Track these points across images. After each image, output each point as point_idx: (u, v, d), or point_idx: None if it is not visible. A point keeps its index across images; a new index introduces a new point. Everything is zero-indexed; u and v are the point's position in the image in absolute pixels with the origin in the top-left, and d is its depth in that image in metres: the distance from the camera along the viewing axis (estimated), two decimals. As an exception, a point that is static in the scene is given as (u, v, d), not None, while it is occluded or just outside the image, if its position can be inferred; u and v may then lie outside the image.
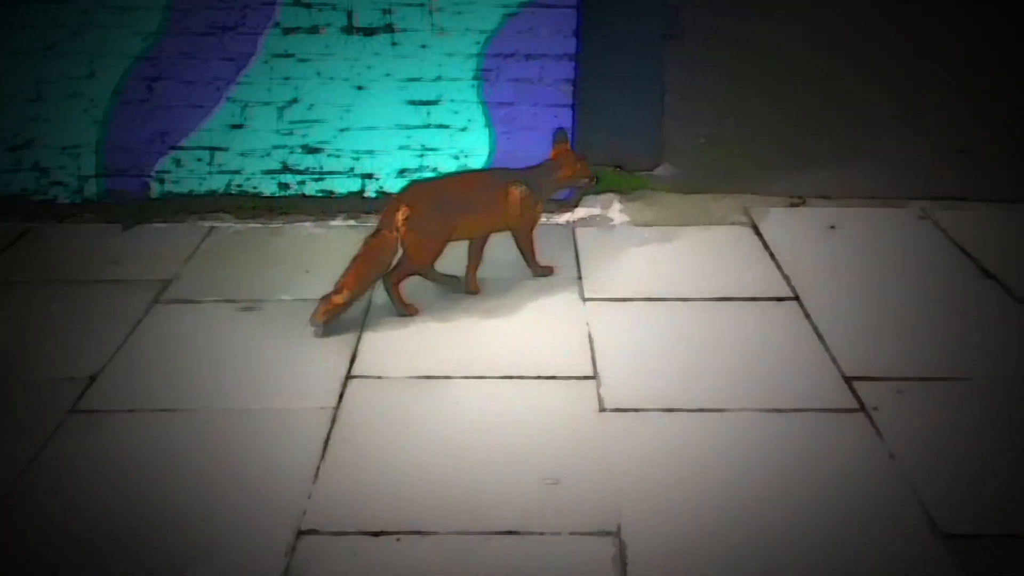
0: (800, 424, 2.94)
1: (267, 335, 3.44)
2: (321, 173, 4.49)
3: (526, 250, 3.82)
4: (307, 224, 4.41)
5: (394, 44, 4.31)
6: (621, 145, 4.69)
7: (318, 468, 2.74)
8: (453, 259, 3.68)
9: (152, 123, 4.38)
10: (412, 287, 3.62)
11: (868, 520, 2.54)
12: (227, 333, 3.47)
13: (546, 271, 3.88)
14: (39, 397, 3.09)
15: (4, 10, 4.21)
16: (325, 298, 3.44)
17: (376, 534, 2.50)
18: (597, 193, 4.60)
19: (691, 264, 4.00)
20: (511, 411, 3.01)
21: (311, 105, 4.39)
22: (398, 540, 2.48)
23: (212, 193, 4.48)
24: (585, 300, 3.70)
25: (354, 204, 4.49)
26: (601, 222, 4.43)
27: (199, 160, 4.45)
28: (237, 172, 4.47)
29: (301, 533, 2.50)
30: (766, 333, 3.45)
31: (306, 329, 3.44)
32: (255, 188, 4.50)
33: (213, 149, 4.43)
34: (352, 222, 4.42)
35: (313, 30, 4.28)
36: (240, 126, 4.40)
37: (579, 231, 4.32)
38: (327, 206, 4.49)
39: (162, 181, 4.47)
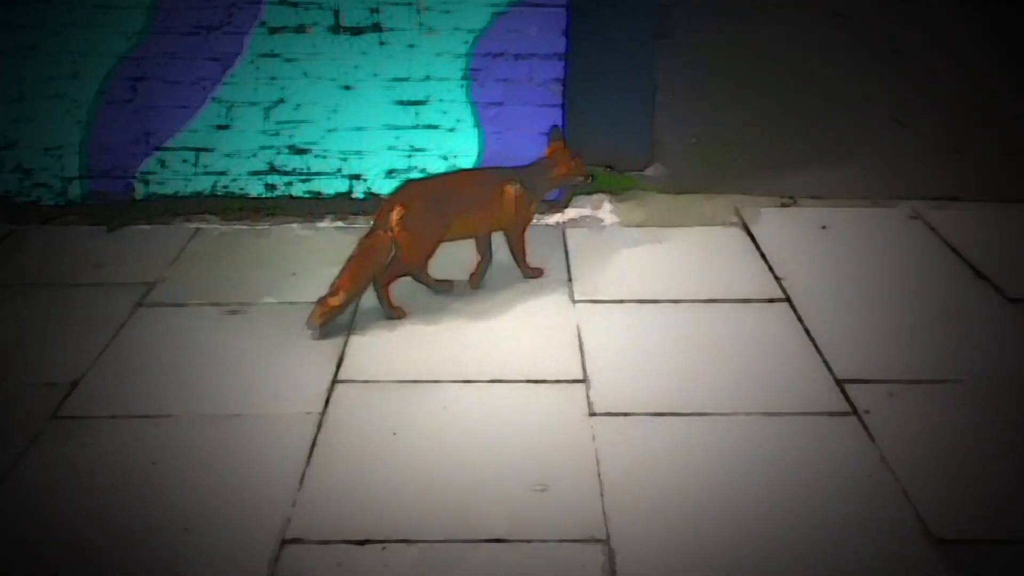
0: (792, 428, 2.91)
1: (253, 339, 3.40)
2: (308, 174, 4.44)
3: (517, 250, 3.78)
4: (294, 226, 4.37)
5: (382, 44, 4.27)
6: (612, 145, 4.66)
7: (303, 475, 2.70)
8: (452, 259, 3.64)
9: (137, 124, 4.33)
10: (401, 290, 3.58)
11: (860, 525, 2.52)
12: (212, 337, 3.42)
13: (536, 273, 3.84)
14: (19, 403, 3.04)
15: (-15, 10, 4.17)
16: (321, 300, 3.40)
17: (362, 543, 2.46)
18: (588, 193, 4.56)
19: (682, 265, 3.97)
20: (499, 416, 2.97)
21: (298, 105, 4.34)
22: (384, 548, 2.44)
23: (198, 194, 4.43)
24: (575, 302, 3.67)
25: (342, 205, 4.44)
26: (591, 223, 4.40)
27: (184, 161, 4.40)
28: (223, 173, 4.42)
29: (285, 542, 2.46)
30: (757, 335, 3.43)
31: (292, 333, 3.39)
32: (241, 189, 4.45)
33: (198, 150, 4.38)
34: (340, 223, 4.38)
35: (300, 29, 4.24)
36: (226, 127, 4.35)
37: (569, 232, 4.29)
38: (314, 207, 4.45)
39: (147, 182, 4.42)
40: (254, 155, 4.41)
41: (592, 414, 2.98)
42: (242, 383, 3.14)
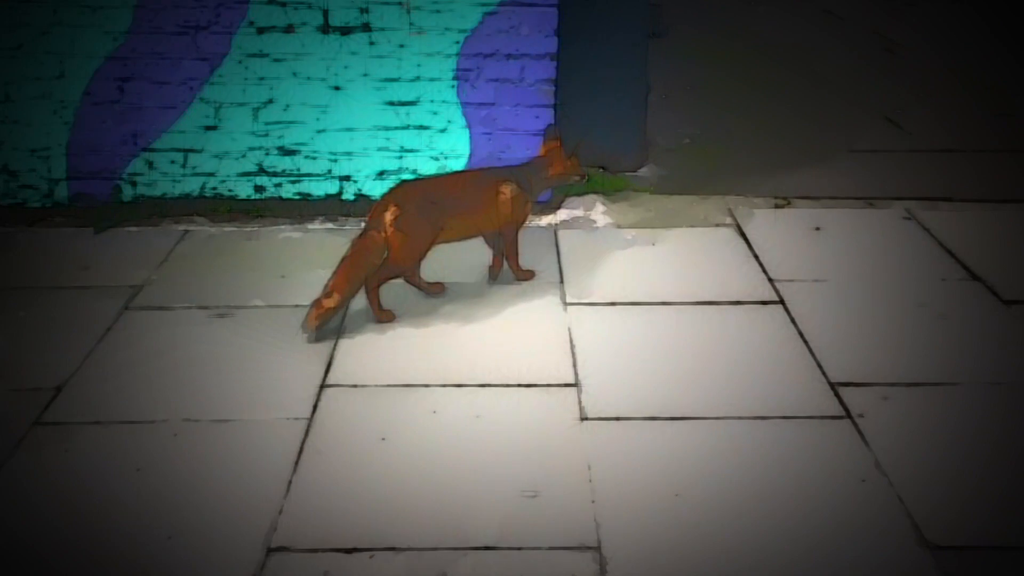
0: (785, 432, 2.88)
1: (240, 343, 3.35)
2: (298, 175, 4.40)
3: (510, 251, 3.75)
4: (284, 227, 4.32)
5: (371, 43, 4.23)
6: (604, 146, 4.62)
7: (290, 482, 2.66)
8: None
9: (123, 124, 4.29)
10: (391, 292, 3.54)
11: (854, 530, 2.49)
12: (199, 341, 3.38)
13: (527, 275, 3.81)
14: (2, 408, 2.99)
15: (-31, 10, 4.11)
16: (315, 303, 3.36)
17: (349, 551, 2.42)
18: (580, 194, 4.53)
19: (675, 267, 3.94)
20: (489, 420, 2.94)
21: (287, 106, 4.30)
22: (372, 557, 2.40)
23: (186, 196, 4.38)
24: (567, 305, 3.63)
25: (332, 207, 4.40)
26: (584, 224, 4.36)
27: (172, 162, 4.35)
28: (211, 174, 4.37)
29: (271, 550, 2.42)
30: (751, 338, 3.40)
31: (281, 336, 3.35)
32: (230, 191, 4.40)
33: (186, 151, 4.34)
34: (330, 225, 4.34)
35: (288, 29, 4.20)
36: (214, 127, 4.31)
37: (561, 233, 4.26)
38: (304, 209, 4.40)
39: (134, 184, 4.37)
40: (243, 156, 4.36)
41: (584, 418, 2.94)
42: (229, 388, 3.10)
